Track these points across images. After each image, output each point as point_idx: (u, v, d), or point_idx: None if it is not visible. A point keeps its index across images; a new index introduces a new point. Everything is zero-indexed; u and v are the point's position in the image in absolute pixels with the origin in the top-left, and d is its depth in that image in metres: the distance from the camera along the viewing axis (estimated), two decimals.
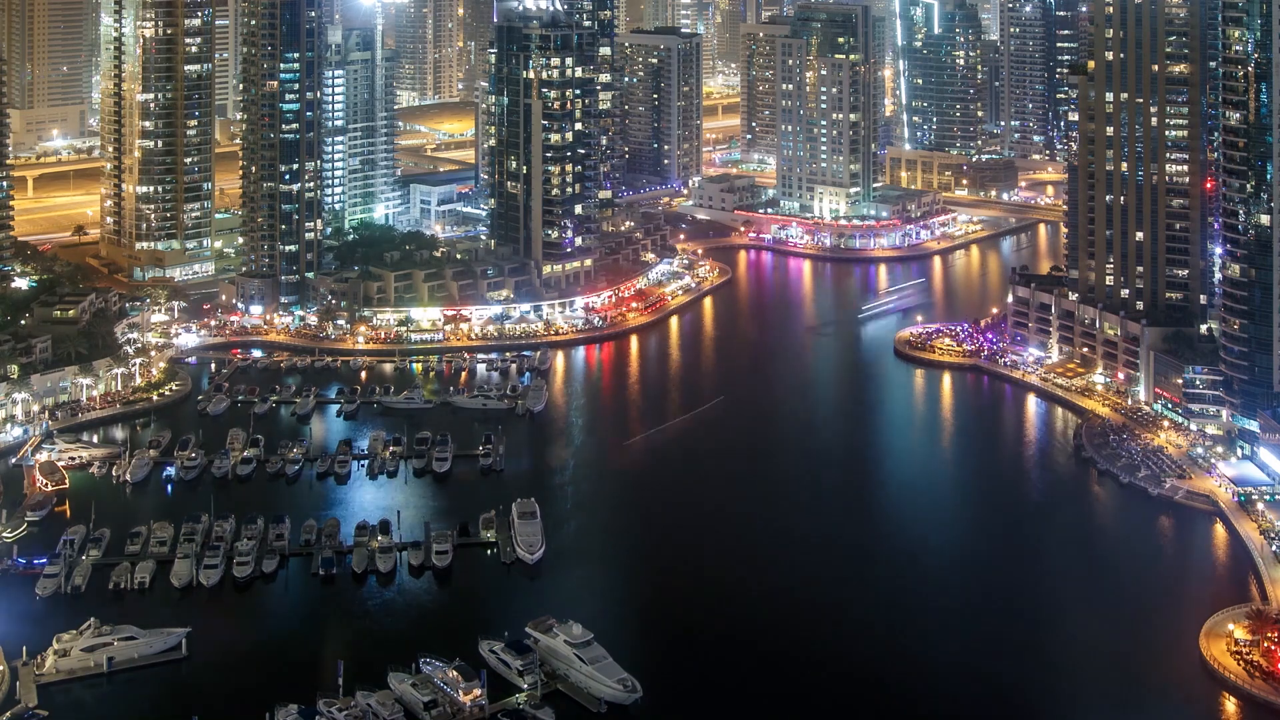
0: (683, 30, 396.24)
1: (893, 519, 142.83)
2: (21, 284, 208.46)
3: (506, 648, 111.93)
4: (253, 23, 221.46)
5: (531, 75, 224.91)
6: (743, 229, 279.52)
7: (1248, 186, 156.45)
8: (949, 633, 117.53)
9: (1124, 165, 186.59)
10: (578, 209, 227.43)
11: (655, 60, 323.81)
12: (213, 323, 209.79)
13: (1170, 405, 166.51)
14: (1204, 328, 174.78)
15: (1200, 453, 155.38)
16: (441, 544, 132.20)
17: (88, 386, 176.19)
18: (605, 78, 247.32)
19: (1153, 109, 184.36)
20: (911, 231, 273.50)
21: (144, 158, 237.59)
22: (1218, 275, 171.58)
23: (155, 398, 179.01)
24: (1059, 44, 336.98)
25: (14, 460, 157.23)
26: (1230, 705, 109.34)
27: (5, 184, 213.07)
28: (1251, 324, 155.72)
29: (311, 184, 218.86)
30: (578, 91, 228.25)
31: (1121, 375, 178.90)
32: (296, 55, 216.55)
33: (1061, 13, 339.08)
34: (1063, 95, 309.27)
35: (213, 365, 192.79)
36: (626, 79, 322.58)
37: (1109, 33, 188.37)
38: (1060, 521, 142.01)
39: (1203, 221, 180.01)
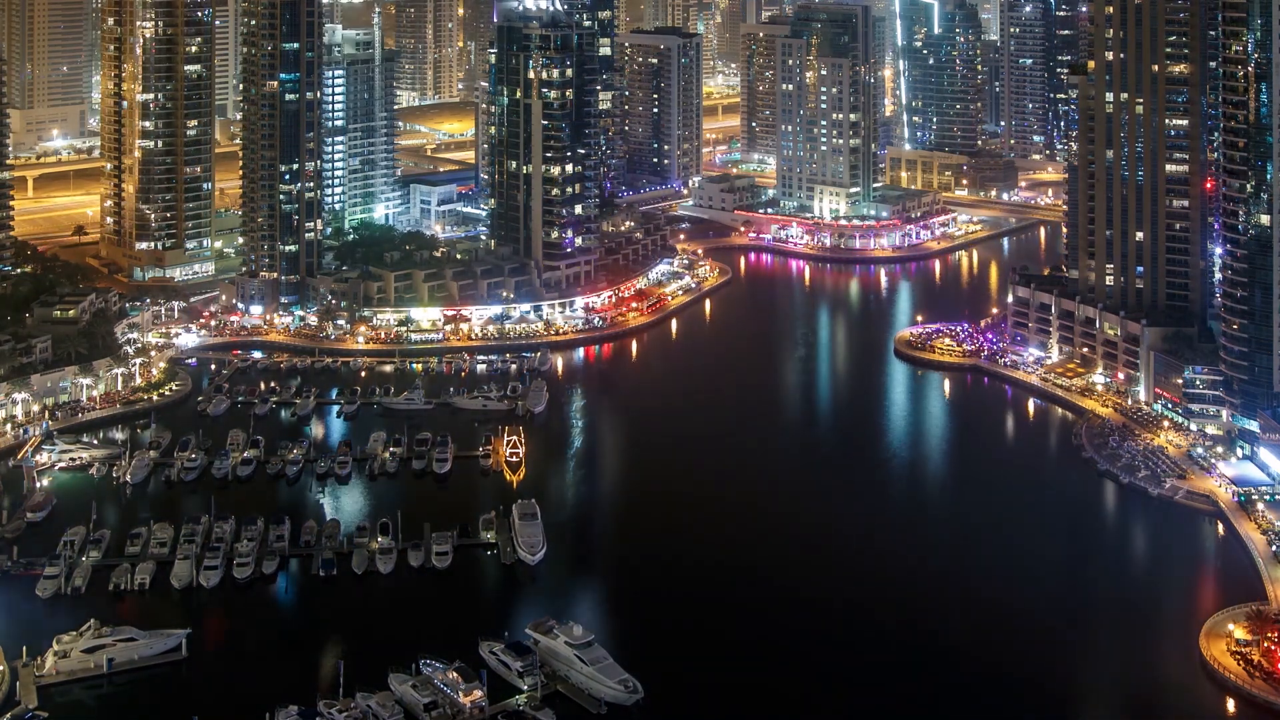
0: (684, 30, 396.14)
1: (892, 519, 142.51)
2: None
3: (507, 649, 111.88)
4: (253, 23, 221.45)
5: (531, 75, 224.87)
6: (743, 229, 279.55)
7: (1248, 186, 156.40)
8: (947, 633, 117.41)
9: (1124, 165, 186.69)
10: (578, 209, 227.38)
11: (655, 60, 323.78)
12: (212, 323, 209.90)
13: (1170, 405, 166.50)
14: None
15: (1200, 453, 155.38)
16: (441, 545, 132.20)
17: (88, 386, 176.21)
18: (605, 77, 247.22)
19: (1153, 109, 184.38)
20: (911, 231, 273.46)
21: (144, 158, 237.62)
22: (1218, 275, 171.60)
23: (155, 398, 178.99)
24: (1059, 44, 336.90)
25: (14, 461, 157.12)
26: (1230, 706, 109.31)
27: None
28: (1251, 324, 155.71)
29: (311, 184, 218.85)
30: (578, 91, 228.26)
31: (1121, 375, 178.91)
32: (296, 55, 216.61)
33: (1061, 13, 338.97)
34: (1063, 96, 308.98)
35: (213, 366, 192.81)
36: (626, 79, 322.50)
37: (1109, 33, 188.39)
38: (1060, 522, 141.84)
39: (1203, 221, 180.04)
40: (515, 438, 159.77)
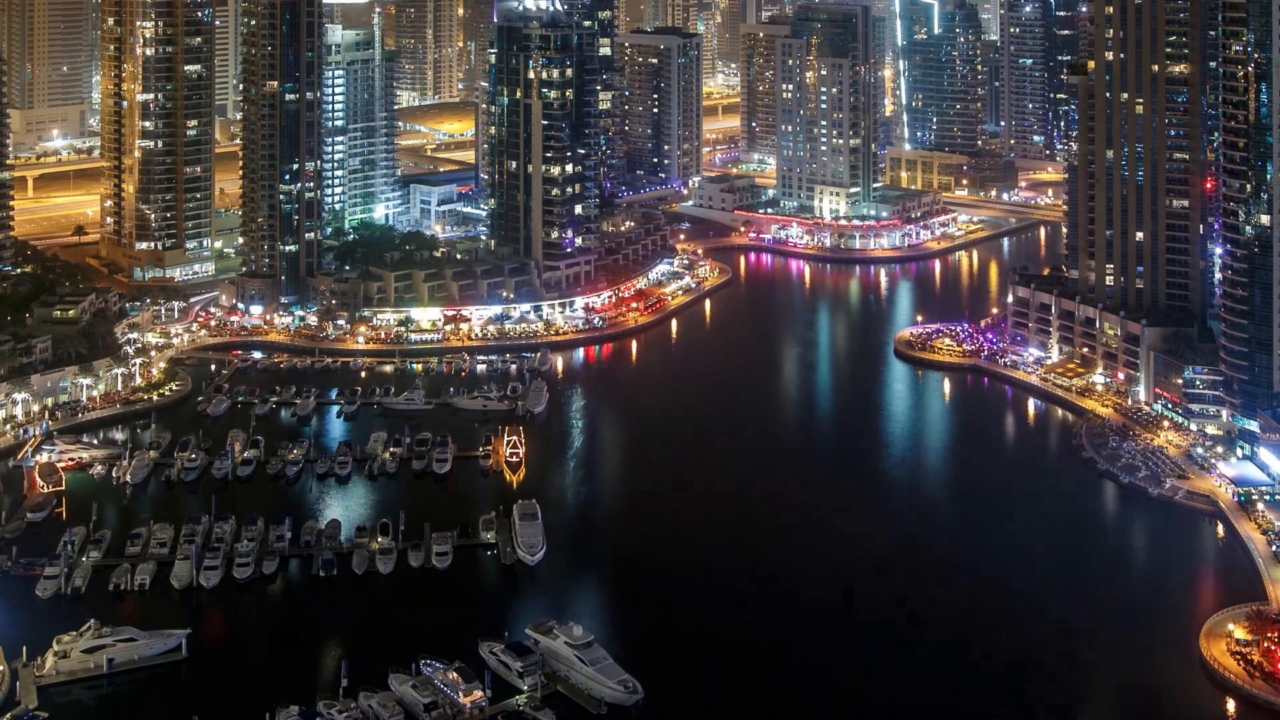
0: (684, 30, 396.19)
1: (892, 520, 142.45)
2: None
3: (507, 649, 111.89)
4: (253, 23, 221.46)
5: (531, 75, 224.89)
6: (743, 229, 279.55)
7: (1248, 186, 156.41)
8: (947, 633, 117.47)
9: (1124, 165, 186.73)
10: (578, 209, 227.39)
11: (655, 60, 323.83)
12: (212, 323, 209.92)
13: (1170, 405, 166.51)
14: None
15: (1200, 453, 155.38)
16: (441, 545, 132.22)
17: (88, 387, 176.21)
18: (605, 77, 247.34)
19: (1153, 109, 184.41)
20: (911, 231, 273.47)
21: (144, 158, 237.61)
22: (1218, 275, 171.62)
23: (155, 398, 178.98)
24: (1059, 44, 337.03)
25: (13, 461, 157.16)
26: (1230, 706, 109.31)
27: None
28: (1251, 324, 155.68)
29: (311, 184, 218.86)
30: (578, 91, 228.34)
31: (1121, 375, 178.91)
32: (296, 55, 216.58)
33: (1061, 13, 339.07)
34: (1063, 95, 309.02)
35: (213, 366, 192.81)
36: (626, 79, 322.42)
37: (1109, 33, 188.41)
38: (1060, 522, 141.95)
39: (1203, 221, 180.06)
40: (515, 438, 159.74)
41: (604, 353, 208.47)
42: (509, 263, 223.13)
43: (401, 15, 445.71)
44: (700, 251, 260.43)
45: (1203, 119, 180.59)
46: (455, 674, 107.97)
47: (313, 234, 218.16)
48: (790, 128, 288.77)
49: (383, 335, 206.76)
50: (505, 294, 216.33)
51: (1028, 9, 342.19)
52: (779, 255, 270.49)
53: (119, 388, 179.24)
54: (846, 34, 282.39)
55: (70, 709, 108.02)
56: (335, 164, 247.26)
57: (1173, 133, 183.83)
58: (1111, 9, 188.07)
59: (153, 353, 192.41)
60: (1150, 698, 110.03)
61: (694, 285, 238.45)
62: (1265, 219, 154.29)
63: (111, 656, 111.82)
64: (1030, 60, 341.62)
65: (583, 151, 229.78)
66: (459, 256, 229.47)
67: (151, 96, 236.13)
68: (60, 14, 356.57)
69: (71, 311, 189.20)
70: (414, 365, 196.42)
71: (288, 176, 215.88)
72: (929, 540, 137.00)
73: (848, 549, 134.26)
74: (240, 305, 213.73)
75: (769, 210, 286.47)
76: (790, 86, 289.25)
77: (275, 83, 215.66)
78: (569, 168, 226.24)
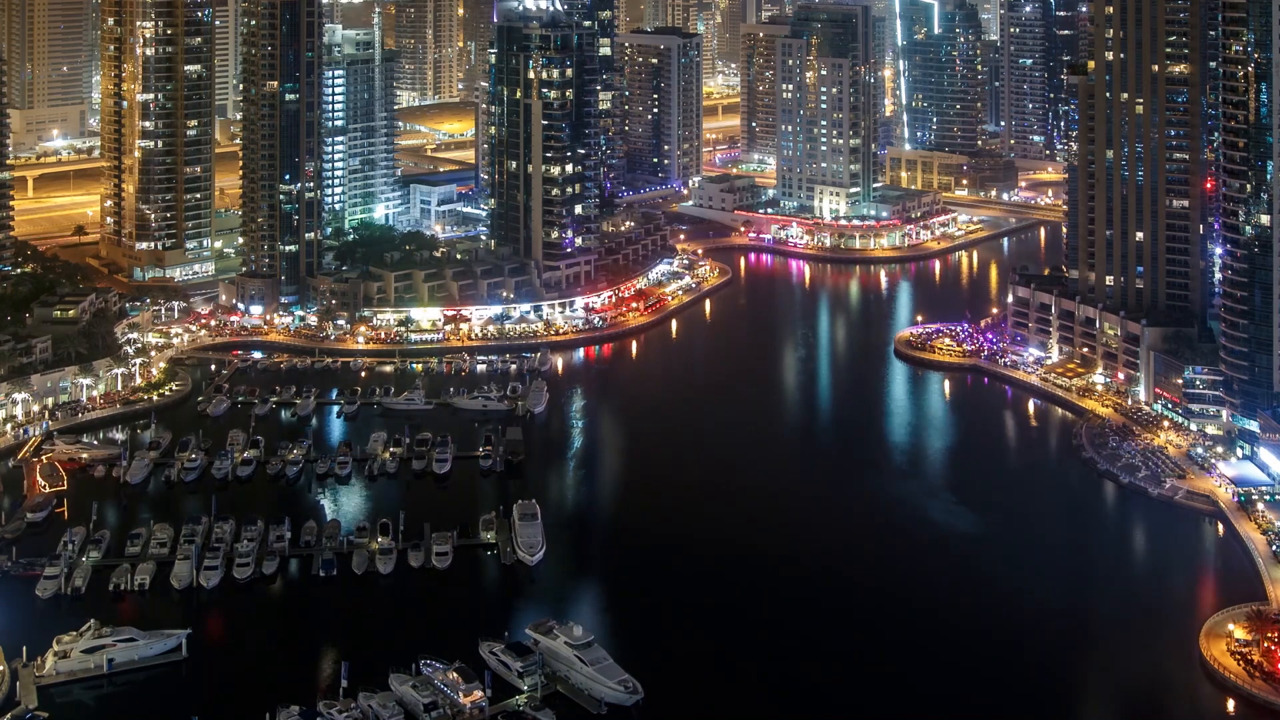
0: (684, 30, 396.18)
1: (893, 521, 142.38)
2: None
3: (507, 649, 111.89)
4: (253, 23, 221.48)
5: (531, 75, 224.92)
6: (743, 229, 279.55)
7: (1248, 186, 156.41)
8: (947, 635, 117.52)
9: (1124, 165, 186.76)
10: (578, 209, 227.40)
11: (655, 60, 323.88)
12: (212, 323, 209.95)
13: (1170, 405, 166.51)
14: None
15: (1200, 453, 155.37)
16: (441, 545, 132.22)
17: (88, 386, 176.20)
18: (605, 77, 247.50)
19: (1153, 109, 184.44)
20: (911, 231, 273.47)
21: (144, 158, 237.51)
22: (1218, 275, 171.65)
23: (155, 398, 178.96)
24: (1059, 44, 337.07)
25: (13, 461, 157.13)
26: (1230, 706, 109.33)
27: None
28: (1251, 324, 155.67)
29: (311, 184, 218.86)
30: (578, 91, 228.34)
31: (1121, 375, 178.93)
32: (296, 55, 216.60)
33: (1061, 13, 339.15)
34: (1063, 95, 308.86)
35: (213, 366, 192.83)
36: (626, 79, 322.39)
37: (1109, 33, 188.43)
38: (1060, 522, 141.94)
39: (1203, 221, 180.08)
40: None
41: (604, 353, 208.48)
42: (509, 263, 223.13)
43: (401, 15, 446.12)
44: (700, 251, 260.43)
45: (1203, 119, 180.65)
46: (455, 674, 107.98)
47: (313, 234, 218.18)
48: (790, 128, 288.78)
49: (383, 335, 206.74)
50: (505, 294, 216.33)
51: (1028, 9, 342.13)
52: (779, 255, 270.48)
53: (119, 388, 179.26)
54: (846, 34, 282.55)
55: (70, 709, 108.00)
56: (335, 164, 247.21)
57: (1173, 133, 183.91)
58: (1111, 9, 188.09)
59: (153, 353, 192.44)
60: (1150, 698, 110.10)
61: (694, 285, 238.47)
62: (1265, 219, 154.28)
63: (111, 656, 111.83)
64: (1030, 60, 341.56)
65: (583, 151, 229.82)
66: (459, 256, 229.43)
67: (151, 96, 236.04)
68: (60, 14, 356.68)
69: (71, 311, 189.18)
70: (414, 365, 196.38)
71: (288, 176, 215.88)
72: (930, 541, 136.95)
73: (848, 549, 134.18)
74: (240, 305, 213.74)
75: (769, 210, 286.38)
76: (790, 86, 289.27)
77: (275, 83, 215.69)
78: (569, 168, 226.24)
